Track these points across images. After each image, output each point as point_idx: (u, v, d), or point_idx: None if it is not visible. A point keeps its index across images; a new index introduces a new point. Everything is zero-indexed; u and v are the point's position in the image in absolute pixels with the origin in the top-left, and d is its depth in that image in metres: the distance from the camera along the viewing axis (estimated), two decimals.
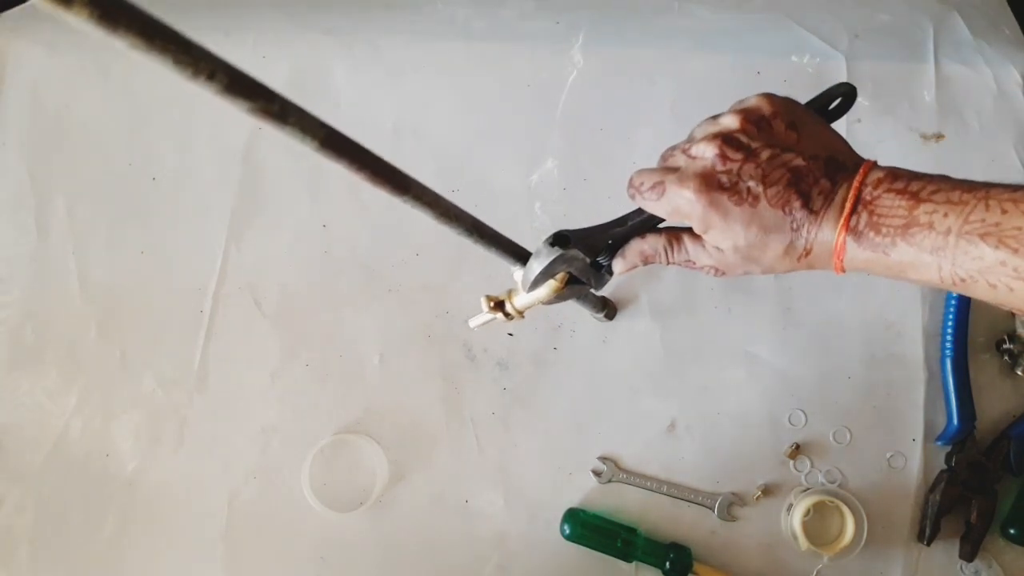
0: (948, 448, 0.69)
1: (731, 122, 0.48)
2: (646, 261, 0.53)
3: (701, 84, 0.77)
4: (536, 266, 0.50)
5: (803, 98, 0.77)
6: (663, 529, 0.69)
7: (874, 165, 0.45)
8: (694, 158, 0.48)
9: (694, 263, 0.51)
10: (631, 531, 0.67)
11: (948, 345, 0.70)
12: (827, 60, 0.78)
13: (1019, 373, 0.70)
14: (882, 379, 0.71)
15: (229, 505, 0.69)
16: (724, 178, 0.46)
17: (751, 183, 0.45)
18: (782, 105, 0.49)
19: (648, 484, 0.69)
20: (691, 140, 0.50)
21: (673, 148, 0.51)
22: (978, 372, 0.70)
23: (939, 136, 0.76)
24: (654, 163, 0.76)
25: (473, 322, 0.55)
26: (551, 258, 0.50)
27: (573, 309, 0.72)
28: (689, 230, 0.50)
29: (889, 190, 0.43)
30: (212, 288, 0.72)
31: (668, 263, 0.53)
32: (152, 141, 0.75)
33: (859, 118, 0.76)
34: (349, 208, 0.74)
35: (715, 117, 0.50)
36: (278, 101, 0.33)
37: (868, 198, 0.44)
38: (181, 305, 0.72)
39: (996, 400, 0.70)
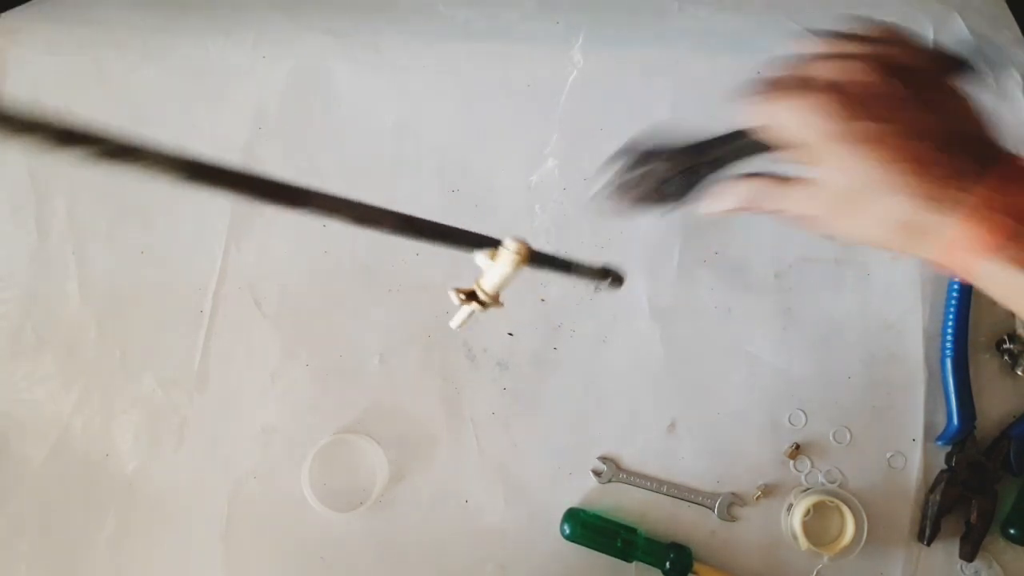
0: (948, 448, 0.69)
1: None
2: (748, 206, 0.47)
3: (701, 84, 0.77)
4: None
5: None
6: (663, 529, 0.69)
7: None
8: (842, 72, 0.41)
9: (792, 211, 0.44)
10: (631, 531, 0.67)
11: (948, 345, 0.70)
12: None
13: (1019, 373, 0.70)
14: (882, 379, 0.71)
15: (229, 505, 0.69)
16: (882, 103, 0.39)
17: (909, 119, 0.39)
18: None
19: (648, 484, 0.69)
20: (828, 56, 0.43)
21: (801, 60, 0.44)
22: (978, 372, 0.70)
23: None
24: None
25: (453, 322, 0.52)
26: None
27: (573, 309, 0.72)
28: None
29: None
30: (212, 288, 0.72)
31: (769, 210, 0.46)
32: (152, 141, 0.75)
33: None
34: None
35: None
36: (112, 144, 0.31)
37: None
38: (181, 305, 0.72)
39: (996, 400, 0.70)
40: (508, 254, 0.48)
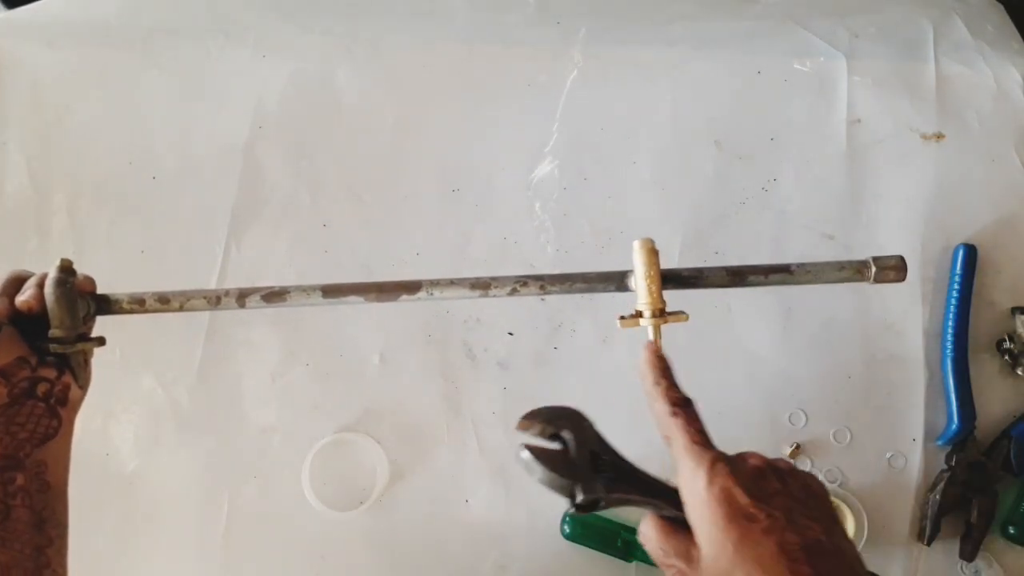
0: (948, 448, 0.69)
1: (761, 460, 0.45)
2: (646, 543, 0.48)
3: (701, 84, 0.78)
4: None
5: (804, 99, 0.78)
6: None
7: None
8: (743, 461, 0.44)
9: (667, 564, 0.45)
10: (631, 531, 0.67)
11: (948, 345, 0.70)
12: (828, 60, 0.78)
13: (1019, 373, 0.70)
14: (882, 379, 0.71)
15: (229, 505, 0.69)
16: (758, 496, 0.41)
17: (778, 513, 0.40)
18: (820, 486, 0.45)
19: None
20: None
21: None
22: (978, 372, 0.70)
23: (939, 136, 0.76)
24: (653, 162, 0.76)
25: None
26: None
27: (573, 309, 0.72)
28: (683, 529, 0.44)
29: None
30: (212, 288, 0.72)
31: (652, 550, 0.46)
32: (152, 141, 0.75)
33: (859, 118, 0.76)
34: (349, 208, 0.74)
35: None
36: None
37: None
38: None
39: (996, 400, 0.70)
40: (636, 251, 0.50)
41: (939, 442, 0.69)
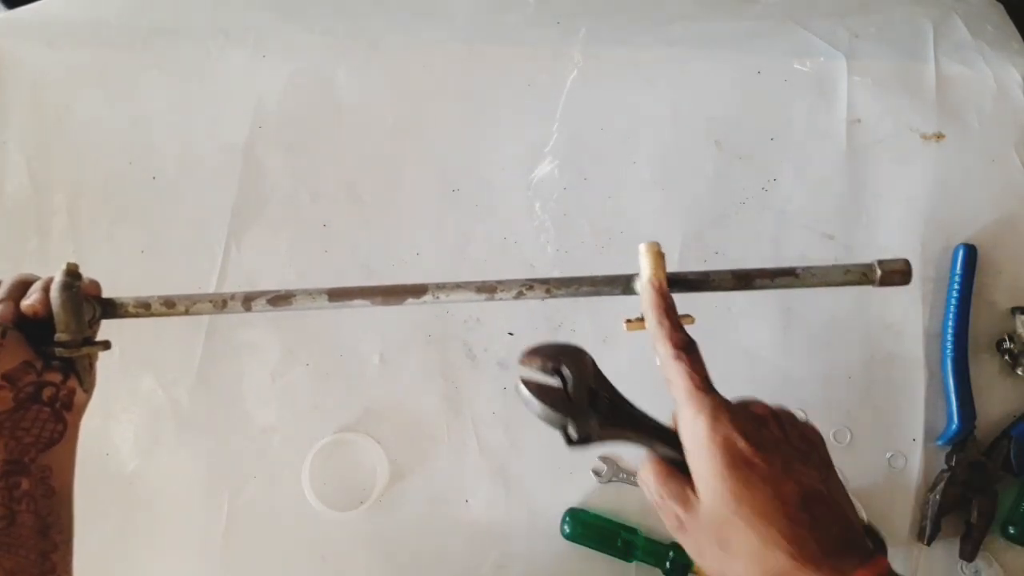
0: (948, 448, 0.69)
1: (763, 408, 0.46)
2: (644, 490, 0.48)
3: (701, 83, 0.78)
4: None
5: (804, 99, 0.78)
6: (663, 529, 0.68)
7: (889, 568, 0.40)
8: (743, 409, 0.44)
9: (664, 507, 0.45)
10: (631, 531, 0.67)
11: (948, 345, 0.70)
12: (828, 60, 0.78)
13: (1019, 373, 0.70)
14: (882, 379, 0.71)
15: (229, 505, 0.69)
16: (757, 443, 0.42)
17: (777, 460, 0.41)
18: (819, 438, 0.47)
19: None
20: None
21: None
22: (978, 372, 0.70)
23: (939, 136, 0.76)
24: (653, 163, 0.76)
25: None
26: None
27: (573, 309, 0.72)
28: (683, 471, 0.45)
29: None
30: (212, 288, 0.72)
31: (648, 492, 0.47)
32: (152, 141, 0.75)
33: (859, 118, 0.76)
34: (349, 208, 0.74)
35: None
36: None
37: None
38: None
39: (996, 400, 0.70)
40: (643, 254, 0.50)
41: (939, 442, 0.69)
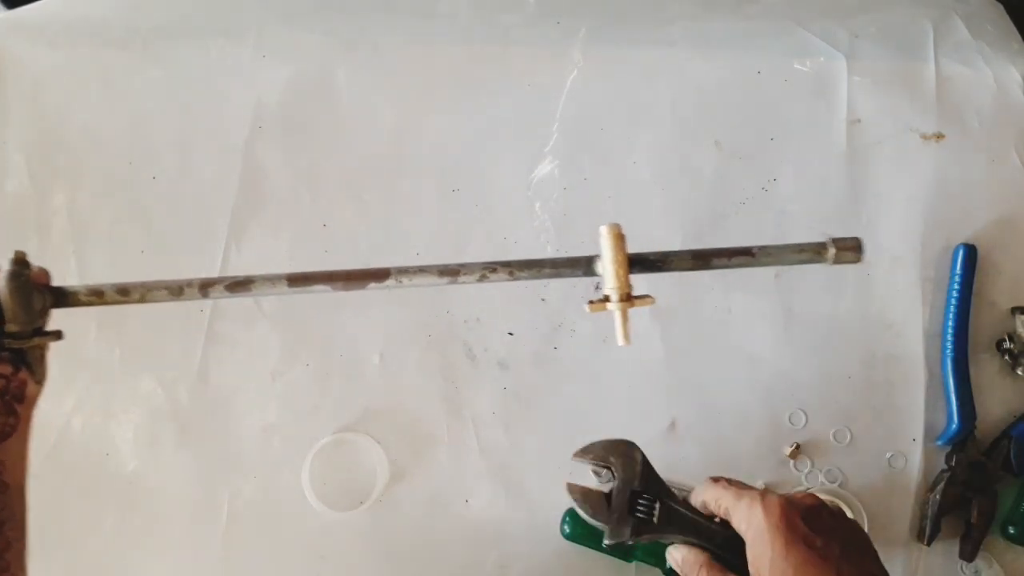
0: (948, 448, 0.69)
1: (813, 498, 0.49)
2: (679, 568, 0.53)
3: (701, 84, 0.78)
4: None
5: (804, 99, 0.78)
6: None
7: None
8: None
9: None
10: None
11: (948, 345, 0.70)
12: (828, 60, 0.78)
13: (1019, 373, 0.70)
14: (882, 379, 0.71)
15: (229, 505, 0.69)
16: (814, 528, 0.45)
17: (835, 544, 0.44)
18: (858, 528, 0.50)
19: None
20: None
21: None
22: (978, 372, 0.70)
23: (939, 136, 0.76)
24: (653, 162, 0.76)
25: (618, 339, 0.53)
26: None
27: (573, 309, 0.72)
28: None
29: None
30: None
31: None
32: (152, 141, 0.75)
33: (859, 118, 0.76)
34: (349, 208, 0.74)
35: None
36: None
37: None
38: (181, 305, 0.72)
39: (996, 400, 0.70)
40: (603, 236, 0.50)
41: (939, 442, 0.69)
